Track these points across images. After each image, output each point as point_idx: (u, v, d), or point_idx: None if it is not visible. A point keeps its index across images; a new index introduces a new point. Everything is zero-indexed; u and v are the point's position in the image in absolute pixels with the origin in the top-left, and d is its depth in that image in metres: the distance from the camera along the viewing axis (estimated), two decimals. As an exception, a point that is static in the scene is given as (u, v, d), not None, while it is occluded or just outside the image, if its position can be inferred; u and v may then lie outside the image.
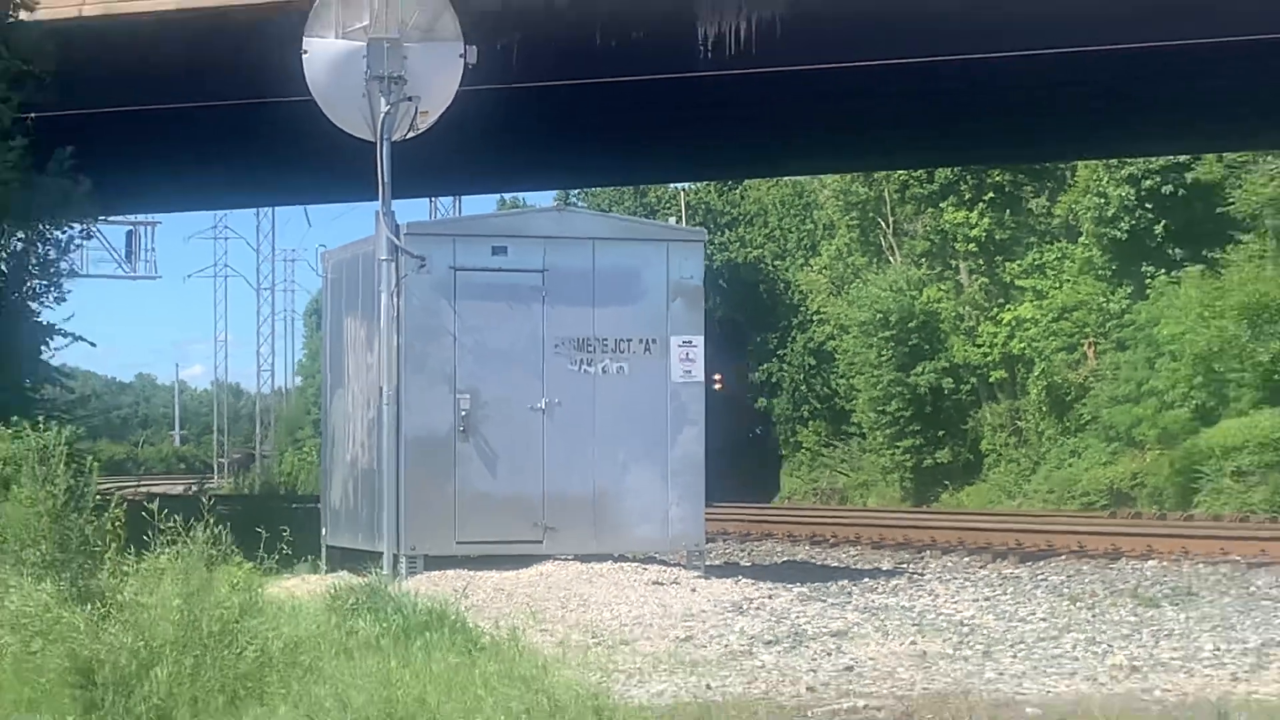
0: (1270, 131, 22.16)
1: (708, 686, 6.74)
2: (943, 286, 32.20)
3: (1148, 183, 27.16)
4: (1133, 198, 27.32)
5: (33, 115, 12.41)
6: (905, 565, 14.73)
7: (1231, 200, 25.73)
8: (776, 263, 39.27)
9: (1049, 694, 6.73)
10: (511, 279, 10.97)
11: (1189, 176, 26.90)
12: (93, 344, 15.33)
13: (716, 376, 26.43)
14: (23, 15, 12.90)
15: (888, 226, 34.42)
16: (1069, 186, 30.27)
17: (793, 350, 36.67)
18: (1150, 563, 13.00)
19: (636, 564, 10.97)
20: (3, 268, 12.66)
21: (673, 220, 30.45)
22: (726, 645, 8.29)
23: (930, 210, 32.77)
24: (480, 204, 31.74)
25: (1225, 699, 6.01)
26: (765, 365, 37.62)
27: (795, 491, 35.70)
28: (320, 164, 18.83)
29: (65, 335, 14.48)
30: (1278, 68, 17.53)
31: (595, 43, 14.93)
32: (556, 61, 15.55)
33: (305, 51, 11.14)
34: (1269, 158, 25.49)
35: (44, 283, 13.20)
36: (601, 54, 15.40)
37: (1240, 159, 26.21)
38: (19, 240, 12.91)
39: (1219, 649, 7.67)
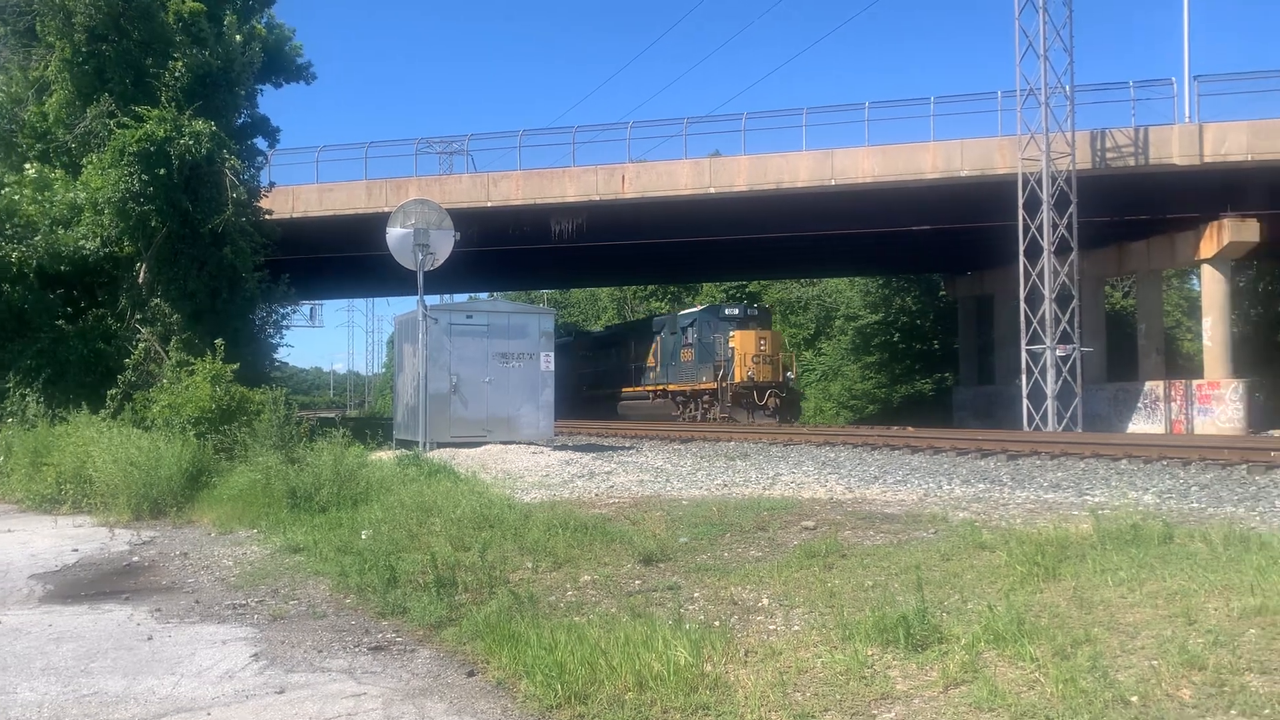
0: (809, 271, 47.24)
1: (554, 495, 11.14)
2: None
3: (732, 290, 52.48)
4: (724, 295, 51.96)
5: (267, 259, 20.23)
6: (635, 444, 23.50)
7: (763, 297, 51.57)
8: (583, 321, 70.45)
9: (692, 495, 11.18)
10: (474, 328, 19.26)
11: (749, 285, 51.92)
12: (291, 347, 30.10)
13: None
14: (265, 216, 21.23)
15: (628, 308, 66.83)
16: (700, 291, 56.11)
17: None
18: (732, 443, 22.13)
19: (525, 445, 18.27)
20: (258, 321, 20.59)
21: (541, 305, 47.25)
22: (561, 478, 13.70)
23: (648, 300, 65.28)
24: (461, 296, 45.97)
25: (759, 497, 10.38)
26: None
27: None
28: (394, 279, 29.63)
29: (281, 347, 22.90)
30: (795, 252, 33.11)
31: (508, 232, 28.26)
32: (490, 238, 28.43)
33: (387, 231, 19.43)
34: (787, 283, 53.15)
35: (273, 328, 21.59)
36: (510, 235, 28.88)
37: (773, 282, 53.64)
38: (264, 310, 20.82)
39: (757, 478, 13.36)
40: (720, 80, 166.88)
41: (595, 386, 44.02)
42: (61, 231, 19.19)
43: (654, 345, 38.77)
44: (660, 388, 37.91)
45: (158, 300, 19.21)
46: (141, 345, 18.76)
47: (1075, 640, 4.69)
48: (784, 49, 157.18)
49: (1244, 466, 13.75)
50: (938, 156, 28.84)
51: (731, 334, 33.39)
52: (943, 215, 29.72)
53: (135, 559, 9.30)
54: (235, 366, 16.38)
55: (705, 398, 34.65)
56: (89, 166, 19.50)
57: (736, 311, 35.38)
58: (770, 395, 32.52)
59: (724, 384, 32.91)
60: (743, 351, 32.71)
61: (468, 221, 24.31)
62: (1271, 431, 26.80)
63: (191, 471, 12.76)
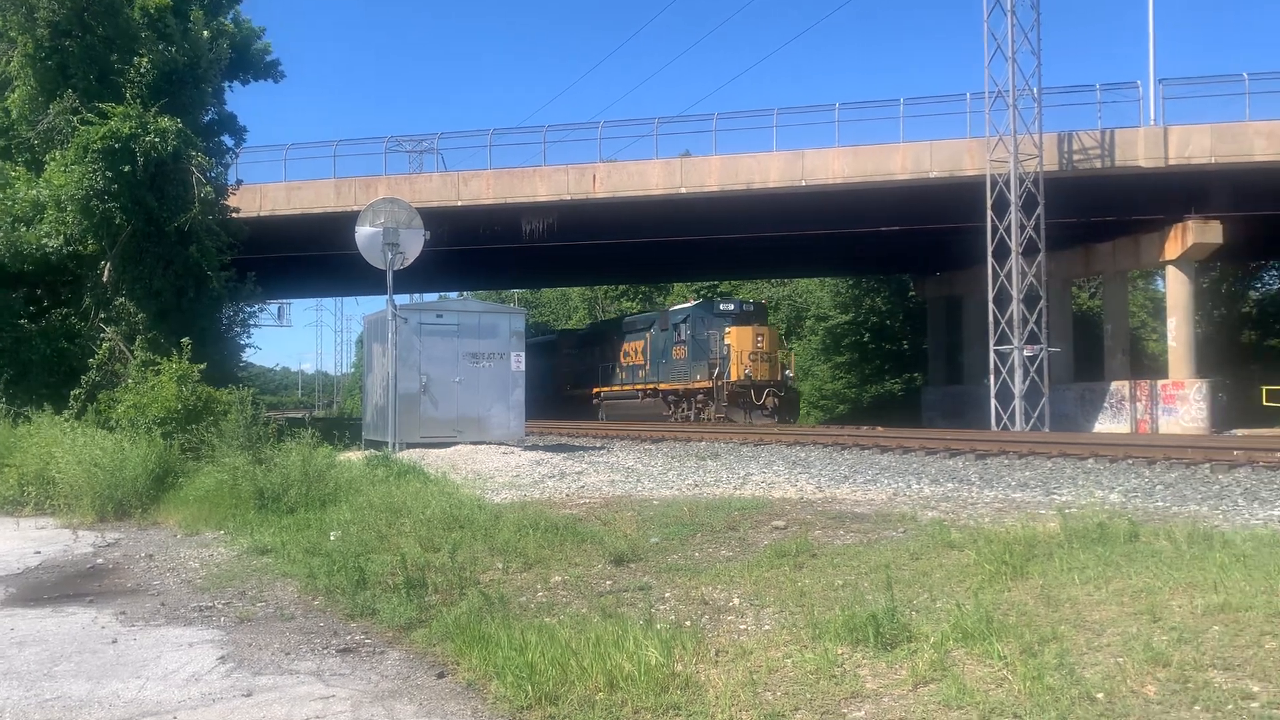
0: (780, 272, 45.87)
1: (525, 496, 11.36)
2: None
3: (703, 290, 51.97)
4: (695, 294, 50.73)
5: (234, 258, 20.16)
6: (606, 444, 23.64)
7: (745, 293, 50.33)
8: (553, 321, 70.69)
9: (663, 495, 11.40)
10: (444, 328, 19.31)
11: (719, 285, 51.12)
12: (258, 348, 29.45)
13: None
14: (232, 214, 21.05)
15: (600, 308, 68.34)
16: (671, 291, 56.29)
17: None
18: (703, 443, 22.25)
19: (496, 445, 18.51)
20: (225, 320, 20.55)
21: (512, 304, 46.77)
22: (532, 478, 13.83)
23: (619, 300, 65.47)
24: (431, 296, 44.73)
25: (730, 497, 10.60)
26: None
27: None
28: (363, 278, 29.48)
29: (250, 349, 22.93)
30: (769, 253, 33.10)
31: (479, 231, 28.20)
32: (461, 238, 28.40)
33: (356, 230, 19.36)
34: (758, 283, 52.55)
35: (240, 327, 21.56)
36: (480, 235, 28.80)
37: (744, 282, 52.59)
38: (231, 310, 20.69)
39: (728, 478, 13.62)
40: (691, 80, 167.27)
41: (582, 385, 42.74)
42: (24, 229, 18.90)
43: (644, 343, 37.38)
44: (651, 387, 36.55)
45: (122, 299, 18.97)
46: (106, 345, 18.52)
47: (1042, 638, 4.73)
48: (755, 49, 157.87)
49: (1207, 466, 13.93)
50: (907, 158, 29.00)
51: (727, 330, 31.98)
52: (912, 216, 29.89)
53: (99, 561, 9.17)
54: (202, 366, 16.22)
55: (699, 397, 33.33)
56: (52, 163, 19.24)
57: (732, 307, 33.75)
58: (768, 394, 31.25)
59: (719, 383, 31.49)
60: (739, 349, 31.33)
61: (438, 221, 24.22)
62: (1234, 431, 27.16)
63: (157, 472, 12.61)
